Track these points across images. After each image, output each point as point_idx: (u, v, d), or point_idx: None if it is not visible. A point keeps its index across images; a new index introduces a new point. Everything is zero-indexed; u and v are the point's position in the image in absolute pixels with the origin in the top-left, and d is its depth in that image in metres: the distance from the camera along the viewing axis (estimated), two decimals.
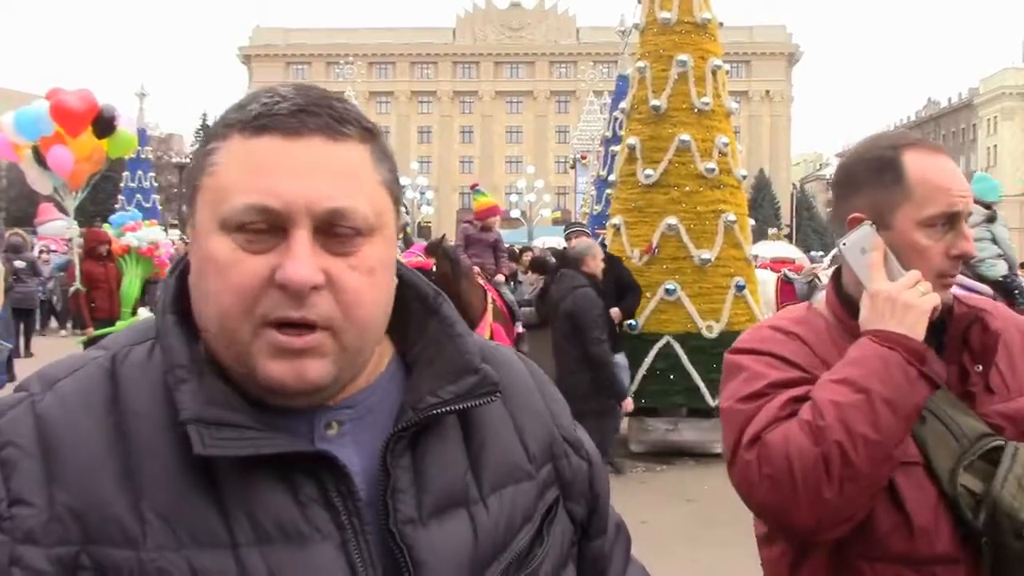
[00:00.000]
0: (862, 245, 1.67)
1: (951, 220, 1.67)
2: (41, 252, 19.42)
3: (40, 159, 10.14)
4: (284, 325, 0.95)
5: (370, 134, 1.01)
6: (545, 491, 1.13)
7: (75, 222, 11.62)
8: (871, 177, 1.70)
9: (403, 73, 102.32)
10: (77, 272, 11.04)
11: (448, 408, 1.04)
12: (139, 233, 12.68)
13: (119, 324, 11.06)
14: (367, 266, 0.98)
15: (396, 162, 1.08)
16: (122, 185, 28.30)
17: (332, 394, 1.02)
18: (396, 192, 1.05)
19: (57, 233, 25.22)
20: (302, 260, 0.94)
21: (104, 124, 10.31)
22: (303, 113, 0.97)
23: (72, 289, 10.86)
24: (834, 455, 1.51)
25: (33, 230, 24.93)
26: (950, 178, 1.68)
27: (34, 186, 10.73)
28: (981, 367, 1.69)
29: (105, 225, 12.37)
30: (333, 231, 0.96)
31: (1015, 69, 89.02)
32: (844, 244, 1.69)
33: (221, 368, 1.00)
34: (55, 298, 20.30)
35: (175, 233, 34.87)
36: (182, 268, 1.07)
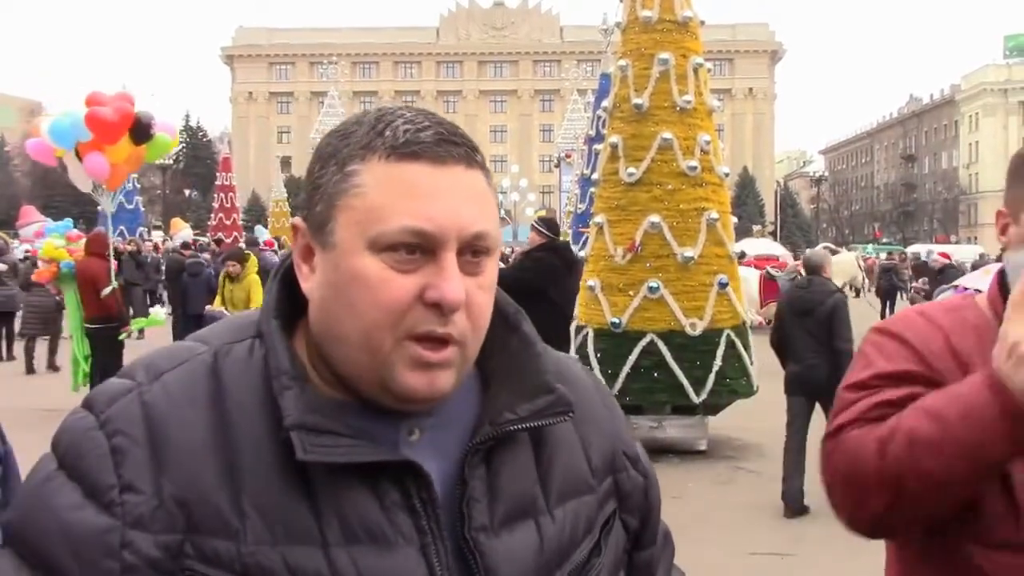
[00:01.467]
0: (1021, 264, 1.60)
1: None
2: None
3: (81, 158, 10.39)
4: (425, 339, 1.02)
5: (484, 161, 1.09)
6: (605, 503, 1.19)
7: (68, 224, 11.89)
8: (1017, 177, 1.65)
9: (386, 73, 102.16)
10: (112, 271, 11.43)
11: (523, 425, 1.11)
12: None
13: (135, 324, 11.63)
14: (489, 283, 1.07)
15: None
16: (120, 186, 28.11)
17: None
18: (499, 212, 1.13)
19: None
20: (456, 281, 1.01)
21: (141, 131, 10.61)
22: (447, 143, 1.03)
23: (109, 289, 11.14)
24: (892, 484, 1.48)
25: (15, 233, 24.78)
26: None
27: (76, 183, 11.01)
28: None
29: (53, 235, 12.52)
30: (468, 252, 1.03)
31: (996, 66, 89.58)
32: (1010, 257, 1.65)
33: (325, 371, 1.08)
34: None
35: (158, 235, 34.75)
36: (284, 273, 1.14)
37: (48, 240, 11.94)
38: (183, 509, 0.98)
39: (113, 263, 11.54)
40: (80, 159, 10.34)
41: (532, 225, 8.65)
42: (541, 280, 7.92)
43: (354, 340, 1.02)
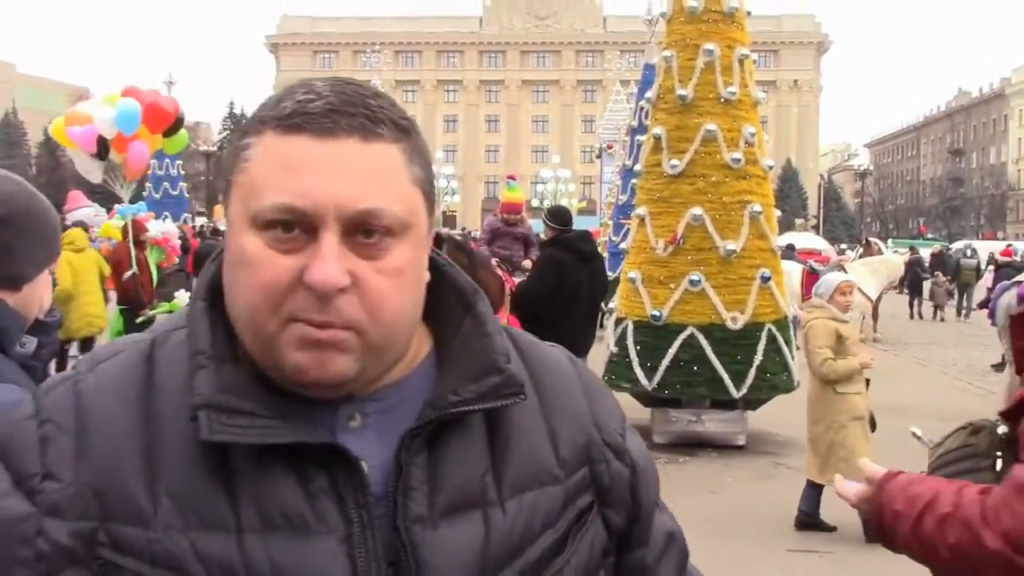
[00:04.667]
0: None
1: None
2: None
3: (102, 150, 10.65)
4: (307, 322, 0.97)
5: (405, 132, 1.01)
6: (577, 496, 1.11)
7: (143, 207, 12.25)
8: None
9: (429, 62, 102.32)
10: (132, 258, 11.62)
11: (468, 408, 1.04)
12: (154, 223, 13.17)
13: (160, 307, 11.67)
14: (394, 267, 0.98)
15: (430, 159, 1.08)
16: (149, 172, 28.45)
17: (361, 387, 1.03)
18: (428, 190, 1.04)
19: (85, 220, 25.43)
20: (329, 262, 0.94)
21: (177, 124, 11.04)
22: (336, 113, 0.96)
23: (129, 273, 11.36)
24: None
25: (63, 217, 25.13)
26: None
27: (86, 175, 11.25)
28: None
29: (117, 217, 12.78)
30: (363, 232, 0.96)
31: None
32: None
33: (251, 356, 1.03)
34: None
35: (202, 220, 35.11)
36: (221, 257, 1.09)
37: (109, 221, 12.23)
38: (98, 497, 0.96)
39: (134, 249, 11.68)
40: (107, 148, 10.55)
41: (543, 219, 8.58)
42: (548, 281, 7.76)
43: (243, 321, 0.99)
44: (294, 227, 0.95)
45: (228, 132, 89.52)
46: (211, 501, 0.96)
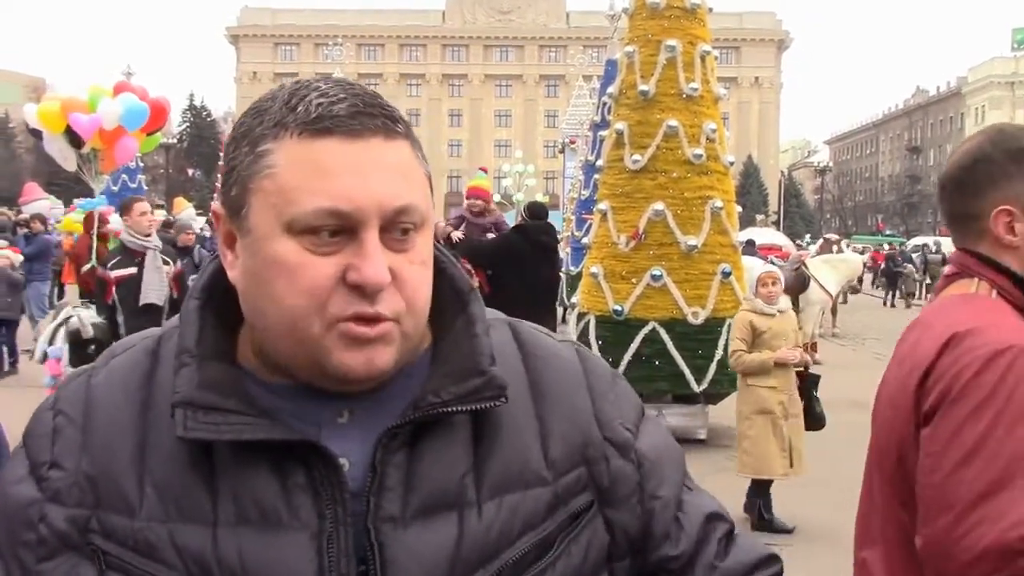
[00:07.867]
0: None
1: None
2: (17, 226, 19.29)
3: (74, 139, 10.68)
4: (355, 319, 0.98)
5: (410, 129, 1.04)
6: (570, 498, 1.09)
7: (103, 200, 12.29)
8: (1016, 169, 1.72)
9: (392, 55, 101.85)
10: (93, 251, 11.67)
11: (447, 409, 1.03)
12: (115, 217, 13.29)
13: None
14: (421, 258, 1.02)
15: None
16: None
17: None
18: (431, 183, 1.08)
19: (43, 212, 25.00)
20: (377, 261, 0.96)
21: (161, 126, 11.40)
22: (362, 115, 0.98)
23: (88, 266, 11.40)
24: None
25: (19, 209, 24.71)
26: None
27: (61, 162, 11.27)
28: None
29: (79, 210, 12.75)
30: (395, 228, 0.99)
31: (1003, 59, 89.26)
32: None
33: (259, 355, 1.05)
34: None
35: (161, 213, 34.67)
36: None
37: (70, 215, 12.12)
38: (92, 485, 1.01)
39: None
40: (77, 137, 10.52)
41: (519, 211, 9.00)
42: (491, 257, 8.05)
43: (282, 329, 0.99)
44: (336, 230, 0.97)
45: (188, 124, 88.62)
46: (191, 494, 1.00)
